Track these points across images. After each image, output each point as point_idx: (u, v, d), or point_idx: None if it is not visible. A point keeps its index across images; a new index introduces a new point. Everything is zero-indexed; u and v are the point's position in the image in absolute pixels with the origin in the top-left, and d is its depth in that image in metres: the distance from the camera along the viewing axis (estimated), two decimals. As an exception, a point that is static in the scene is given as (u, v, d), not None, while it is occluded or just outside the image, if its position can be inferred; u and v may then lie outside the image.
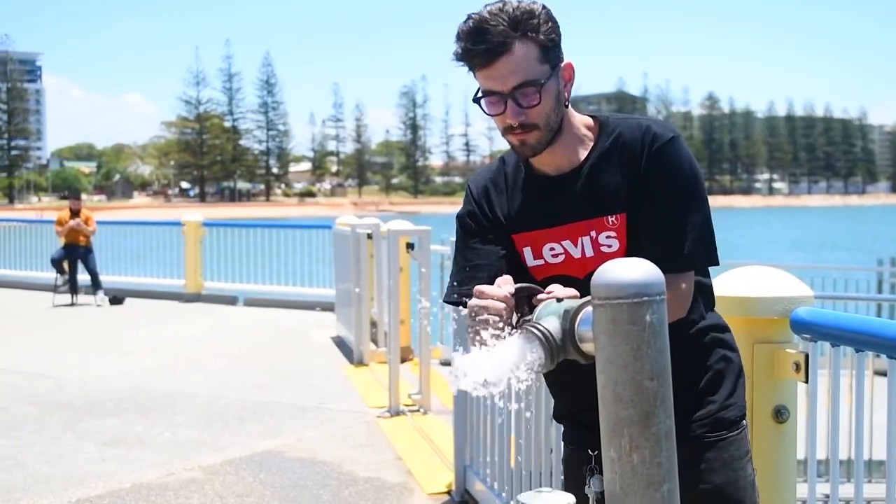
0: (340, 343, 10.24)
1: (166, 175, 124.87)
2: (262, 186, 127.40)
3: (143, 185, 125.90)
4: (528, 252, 2.22)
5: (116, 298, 14.37)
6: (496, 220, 2.25)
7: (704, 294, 2.26)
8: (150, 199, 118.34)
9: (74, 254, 14.43)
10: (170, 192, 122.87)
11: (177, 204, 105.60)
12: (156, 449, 6.20)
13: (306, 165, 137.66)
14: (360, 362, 9.06)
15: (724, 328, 2.33)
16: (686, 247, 2.08)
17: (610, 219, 2.13)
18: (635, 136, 2.14)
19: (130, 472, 5.68)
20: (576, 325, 1.71)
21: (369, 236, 9.21)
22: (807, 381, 2.63)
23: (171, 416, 7.10)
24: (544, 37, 2.05)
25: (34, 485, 5.43)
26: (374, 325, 9.59)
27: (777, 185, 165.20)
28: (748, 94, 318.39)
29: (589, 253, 2.15)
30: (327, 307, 12.68)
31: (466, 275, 2.23)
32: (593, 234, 2.14)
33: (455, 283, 2.24)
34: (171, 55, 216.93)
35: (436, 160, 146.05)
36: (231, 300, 14.71)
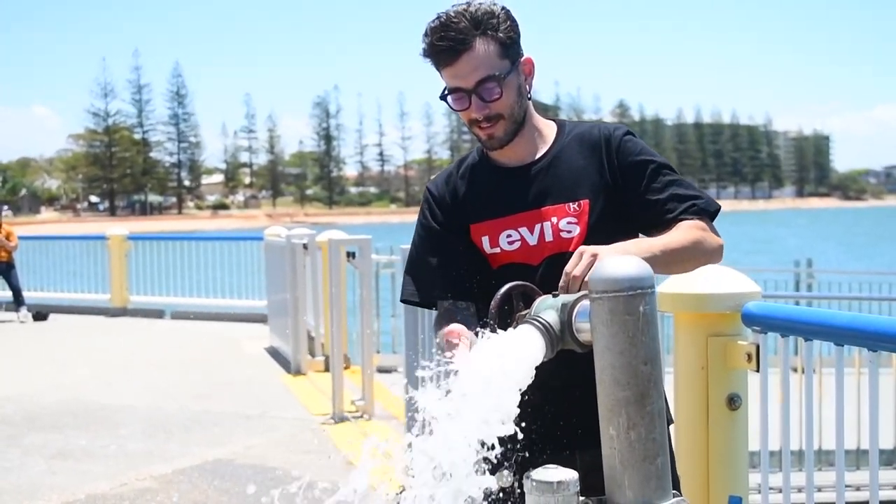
0: (275, 353, 10.29)
1: (74, 189, 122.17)
2: (174, 199, 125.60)
3: (51, 200, 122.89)
4: (485, 241, 2.33)
5: (40, 314, 14.22)
6: (454, 215, 2.37)
7: None
8: (59, 213, 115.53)
9: (-4, 270, 14.23)
10: (79, 206, 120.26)
11: (86, 218, 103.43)
12: (104, 461, 6.24)
13: (219, 177, 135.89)
14: (298, 371, 9.15)
15: None
16: (697, 196, 2.26)
17: (571, 205, 2.28)
18: (593, 132, 2.34)
19: (82, 483, 5.72)
20: (573, 317, 1.90)
21: (305, 247, 9.31)
22: (758, 370, 2.86)
23: (113, 428, 7.12)
24: (504, 34, 2.24)
25: (-15, 499, 5.46)
26: (308, 334, 9.67)
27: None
28: (657, 101, 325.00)
29: (548, 238, 2.28)
30: (256, 318, 12.74)
31: (421, 277, 2.37)
32: (554, 220, 2.28)
33: (414, 288, 2.38)
34: (79, 66, 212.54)
35: (350, 170, 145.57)
36: (158, 313, 14.64)
